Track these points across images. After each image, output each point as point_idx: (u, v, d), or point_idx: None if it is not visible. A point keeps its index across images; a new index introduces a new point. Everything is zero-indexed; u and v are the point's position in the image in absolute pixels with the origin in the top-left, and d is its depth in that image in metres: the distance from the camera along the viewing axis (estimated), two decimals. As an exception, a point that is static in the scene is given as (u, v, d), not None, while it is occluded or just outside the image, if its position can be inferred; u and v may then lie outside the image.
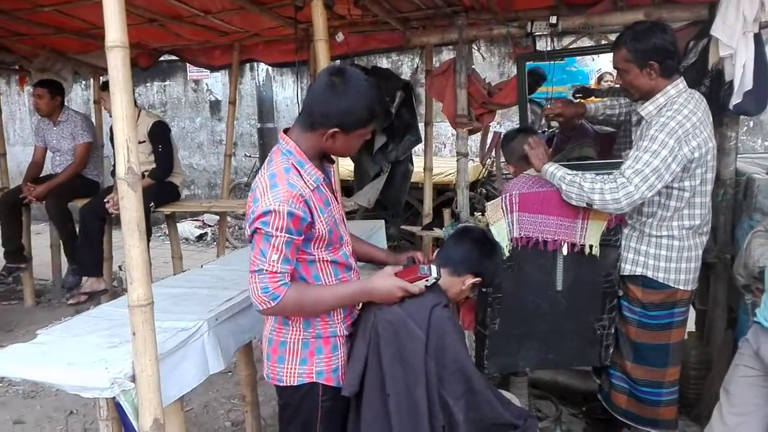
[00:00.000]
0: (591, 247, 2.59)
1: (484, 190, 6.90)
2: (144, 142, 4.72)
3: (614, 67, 2.64)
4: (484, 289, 2.55)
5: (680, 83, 2.49)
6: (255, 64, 8.59)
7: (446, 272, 2.01)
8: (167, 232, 5.96)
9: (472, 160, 6.17)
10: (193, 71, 9.54)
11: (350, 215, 4.67)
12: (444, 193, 6.73)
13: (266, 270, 1.74)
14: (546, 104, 3.86)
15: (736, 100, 2.82)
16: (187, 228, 8.66)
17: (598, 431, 3.15)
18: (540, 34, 3.43)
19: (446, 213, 4.17)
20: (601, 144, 3.55)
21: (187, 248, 7.64)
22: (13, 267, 5.30)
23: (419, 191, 5.26)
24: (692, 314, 3.11)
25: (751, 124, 7.42)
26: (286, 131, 1.89)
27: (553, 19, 3.28)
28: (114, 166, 1.81)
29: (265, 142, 9.12)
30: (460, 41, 3.55)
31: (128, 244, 1.77)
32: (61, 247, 5.32)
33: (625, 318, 2.68)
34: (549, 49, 3.54)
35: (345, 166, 6.10)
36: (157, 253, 6.76)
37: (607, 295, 2.66)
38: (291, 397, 1.95)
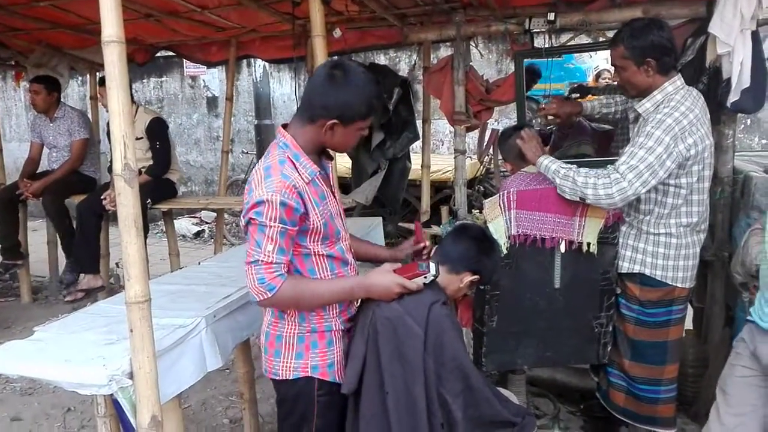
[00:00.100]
0: (589, 244, 2.59)
1: (481, 188, 6.91)
2: (141, 138, 4.71)
3: (611, 64, 2.64)
4: (482, 287, 2.55)
5: (677, 80, 2.49)
6: (252, 60, 8.59)
7: (444, 270, 2.01)
8: (164, 229, 5.95)
9: (470, 157, 6.18)
10: (189, 67, 9.51)
11: (348, 212, 4.66)
12: (442, 190, 6.74)
13: (262, 261, 1.75)
14: (543, 101, 3.85)
15: (733, 97, 2.82)
16: (184, 225, 8.65)
17: (596, 429, 3.16)
18: (538, 31, 3.43)
19: (444, 210, 4.18)
20: (599, 141, 3.54)
21: (185, 245, 7.63)
22: (9, 264, 5.28)
23: (417, 188, 5.26)
24: (690, 312, 3.12)
25: (749, 121, 7.43)
26: (284, 126, 1.90)
27: (551, 16, 3.28)
28: (111, 162, 1.80)
29: (263, 138, 9.10)
30: (458, 38, 3.55)
31: (125, 240, 1.77)
32: (59, 243, 5.30)
33: (622, 316, 2.69)
34: (547, 46, 3.54)
35: (343, 164, 6.10)
36: (154, 250, 6.76)
37: (605, 293, 2.66)
38: (287, 391, 1.96)
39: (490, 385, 2.04)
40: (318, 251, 1.89)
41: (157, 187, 4.75)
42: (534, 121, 3.84)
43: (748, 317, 2.18)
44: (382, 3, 3.71)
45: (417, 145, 5.27)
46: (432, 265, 1.91)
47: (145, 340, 1.80)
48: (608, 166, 2.47)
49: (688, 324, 3.12)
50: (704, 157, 2.44)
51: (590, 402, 3.25)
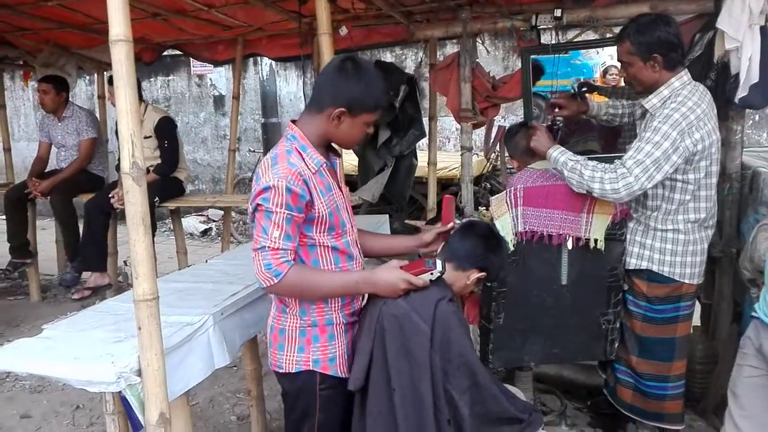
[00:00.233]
0: (596, 241, 2.59)
1: (488, 185, 6.90)
2: (150, 137, 4.73)
3: (618, 60, 2.63)
4: (489, 284, 2.55)
5: (684, 75, 2.48)
6: (259, 58, 8.60)
7: (451, 267, 2.01)
8: (172, 228, 5.98)
9: (477, 154, 6.17)
10: (196, 66, 9.54)
11: (354, 210, 4.65)
12: (448, 187, 6.72)
13: (269, 247, 1.77)
14: (550, 97, 3.84)
15: (741, 93, 2.80)
16: (191, 223, 8.67)
17: (603, 426, 3.15)
18: (544, 27, 3.41)
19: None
20: (606, 138, 3.53)
21: (192, 243, 7.65)
22: (18, 262, 5.30)
23: (423, 186, 5.25)
24: (698, 308, 3.10)
25: (757, 117, 7.39)
26: (293, 122, 1.94)
27: (558, 12, 3.26)
28: (119, 160, 1.81)
29: (269, 137, 9.12)
30: (464, 35, 3.54)
31: (133, 238, 1.78)
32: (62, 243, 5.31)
33: (630, 312, 2.68)
34: (553, 42, 3.53)
35: (349, 162, 6.11)
36: (162, 248, 6.79)
37: (612, 290, 2.66)
38: (290, 384, 1.97)
39: (497, 382, 2.04)
40: (323, 242, 1.90)
41: (165, 186, 4.77)
42: (541, 117, 3.83)
43: (753, 314, 2.17)
44: (389, 0, 3.70)
45: (423, 142, 5.27)
46: (438, 262, 1.91)
47: (153, 337, 1.82)
48: (616, 160, 2.46)
49: (696, 320, 3.11)
50: (711, 152, 2.44)
51: (597, 398, 3.24)
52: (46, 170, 5.32)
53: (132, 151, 1.74)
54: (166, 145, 4.78)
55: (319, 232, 1.88)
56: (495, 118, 3.99)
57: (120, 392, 1.88)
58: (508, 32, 3.58)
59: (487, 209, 3.41)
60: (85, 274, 4.94)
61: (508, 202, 2.58)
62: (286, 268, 1.78)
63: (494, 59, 8.05)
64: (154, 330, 1.82)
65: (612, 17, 3.31)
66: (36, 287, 5.57)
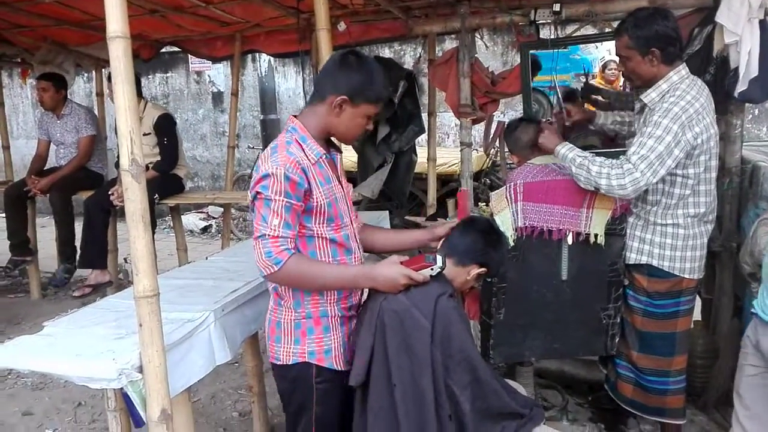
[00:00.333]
0: (596, 236, 2.59)
1: (488, 180, 6.88)
2: (149, 134, 4.72)
3: (616, 54, 2.64)
4: (489, 279, 2.55)
5: (682, 70, 2.48)
6: (257, 55, 8.57)
7: (451, 262, 2.01)
8: (172, 225, 5.97)
9: (476, 150, 6.17)
10: (195, 63, 9.52)
11: (354, 206, 4.67)
12: (448, 183, 6.72)
13: (269, 235, 1.78)
14: (550, 94, 3.83)
15: (741, 87, 2.80)
16: (191, 220, 8.67)
17: (604, 420, 3.16)
18: (543, 22, 3.40)
19: (450, 203, 4.17)
20: (606, 133, 3.53)
21: (192, 240, 7.65)
22: (18, 260, 5.30)
23: (423, 182, 5.24)
24: (698, 303, 3.11)
25: (757, 111, 7.38)
26: (294, 116, 1.96)
27: (557, 7, 3.26)
28: (118, 158, 1.81)
29: (268, 133, 9.11)
30: (463, 30, 3.53)
31: (133, 235, 1.78)
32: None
33: (630, 307, 2.68)
34: (552, 37, 3.52)
35: (348, 158, 6.09)
36: (162, 245, 6.79)
37: (613, 285, 2.66)
38: (286, 376, 1.99)
39: (498, 377, 2.04)
40: (322, 234, 1.91)
41: (165, 183, 4.77)
42: (540, 113, 3.83)
43: (752, 310, 2.17)
44: (387, -4, 3.70)
45: (423, 138, 5.26)
46: (439, 258, 1.91)
47: (154, 334, 1.82)
48: (621, 156, 2.46)
49: (697, 315, 3.11)
50: (710, 146, 2.44)
51: (598, 393, 3.25)
52: (46, 168, 5.32)
53: (131, 148, 1.73)
54: (166, 142, 4.78)
55: (318, 223, 1.89)
56: (494, 113, 4.00)
57: (121, 389, 1.88)
58: (507, 27, 3.57)
59: (486, 205, 3.41)
60: (86, 272, 4.95)
61: (508, 197, 2.57)
62: (287, 256, 1.79)
63: (493, 54, 8.03)
64: (155, 326, 1.82)
65: (611, 11, 3.31)
66: (36, 285, 5.57)
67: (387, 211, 4.35)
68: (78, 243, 4.90)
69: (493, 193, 2.67)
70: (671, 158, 2.35)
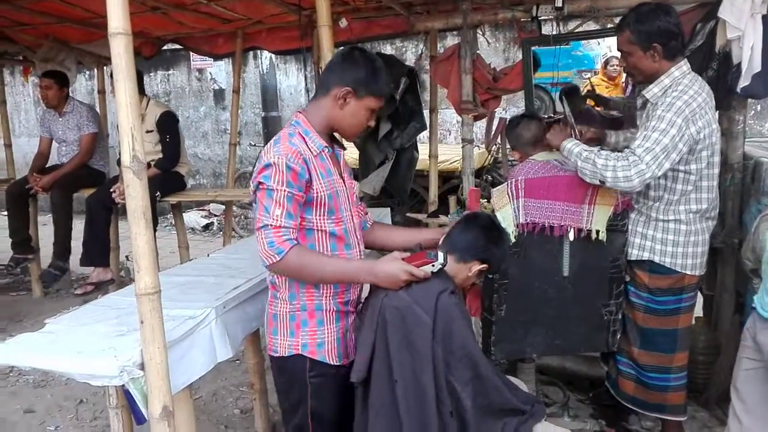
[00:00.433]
0: (598, 232, 2.58)
1: (489, 177, 6.87)
2: (152, 131, 4.73)
3: (618, 50, 2.63)
4: (490, 276, 2.54)
5: (684, 65, 2.47)
6: (259, 52, 8.58)
7: (453, 259, 2.01)
8: (173, 222, 5.98)
9: (478, 146, 6.14)
10: (196, 60, 9.52)
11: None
12: (449, 180, 6.71)
13: (271, 225, 1.80)
14: (552, 90, 3.82)
15: (743, 82, 2.80)
16: (193, 218, 8.68)
17: (605, 417, 3.16)
18: (545, 18, 3.40)
19: (452, 200, 4.16)
20: (608, 129, 3.52)
21: (194, 238, 7.66)
22: (20, 258, 5.31)
23: (424, 178, 5.25)
24: (700, 300, 3.10)
25: (759, 107, 7.37)
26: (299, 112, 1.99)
27: (559, 3, 3.24)
28: (120, 155, 1.81)
29: (270, 130, 9.11)
30: (465, 26, 3.52)
31: (134, 232, 1.77)
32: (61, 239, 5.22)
33: (632, 303, 2.68)
34: (554, 33, 3.51)
35: (350, 155, 6.08)
36: (164, 243, 6.79)
37: (614, 281, 2.65)
38: (282, 368, 2.00)
39: (499, 374, 2.04)
40: (322, 227, 1.92)
41: (166, 180, 4.77)
42: (542, 109, 3.82)
43: (752, 305, 2.17)
44: (388, -8, 3.69)
45: (424, 134, 5.26)
46: (440, 254, 1.91)
47: (155, 331, 1.81)
48: (625, 149, 2.46)
49: (699, 311, 3.11)
50: (712, 142, 2.44)
51: (599, 390, 3.25)
52: (47, 165, 5.32)
53: (132, 145, 1.73)
54: (168, 139, 4.78)
55: (318, 215, 1.90)
56: (496, 109, 3.98)
57: (123, 386, 1.88)
58: (509, 23, 3.57)
59: (488, 201, 3.41)
60: (88, 270, 4.96)
61: (510, 193, 2.57)
62: (289, 246, 1.80)
63: (495, 51, 8.02)
64: (156, 323, 1.82)
65: (613, 7, 3.29)
66: (38, 283, 5.57)
67: (388, 208, 4.34)
68: (73, 242, 4.90)
69: (494, 189, 2.67)
70: (675, 152, 2.34)
